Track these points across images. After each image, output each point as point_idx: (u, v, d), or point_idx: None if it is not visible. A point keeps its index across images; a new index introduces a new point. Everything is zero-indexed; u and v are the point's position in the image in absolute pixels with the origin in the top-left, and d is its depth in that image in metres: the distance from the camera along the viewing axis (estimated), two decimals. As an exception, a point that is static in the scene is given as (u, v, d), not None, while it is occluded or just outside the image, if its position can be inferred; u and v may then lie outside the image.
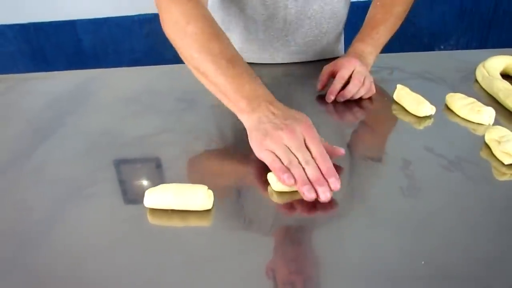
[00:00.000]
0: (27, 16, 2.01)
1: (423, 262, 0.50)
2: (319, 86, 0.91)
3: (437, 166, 0.68)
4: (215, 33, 0.72)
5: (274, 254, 0.54)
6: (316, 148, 0.61)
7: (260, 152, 0.64)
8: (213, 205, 0.61)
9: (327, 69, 0.91)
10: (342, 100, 0.86)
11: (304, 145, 0.62)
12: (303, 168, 0.60)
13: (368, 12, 1.00)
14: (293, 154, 0.61)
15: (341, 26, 1.09)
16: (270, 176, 0.64)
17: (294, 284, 0.49)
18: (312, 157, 0.61)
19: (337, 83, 0.86)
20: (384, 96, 0.90)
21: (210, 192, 0.61)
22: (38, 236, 0.58)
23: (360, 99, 0.88)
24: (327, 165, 0.60)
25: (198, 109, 0.89)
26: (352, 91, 0.85)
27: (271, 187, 0.63)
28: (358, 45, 0.93)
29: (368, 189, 0.64)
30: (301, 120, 0.64)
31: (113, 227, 0.59)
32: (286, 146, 0.61)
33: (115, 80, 1.07)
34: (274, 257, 0.53)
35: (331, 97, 0.86)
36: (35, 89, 1.03)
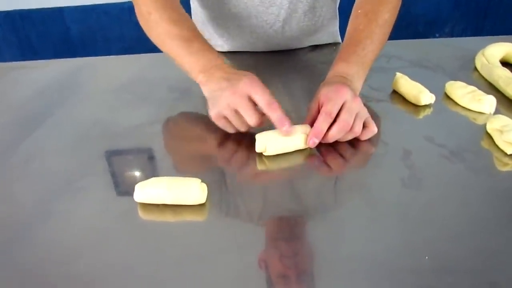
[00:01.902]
0: (12, 3, 1.95)
1: (426, 257, 0.49)
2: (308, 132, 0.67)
3: (438, 156, 0.66)
4: (174, 19, 0.77)
5: (268, 246, 0.52)
6: (261, 100, 0.63)
7: (216, 121, 0.69)
8: (206, 198, 0.58)
9: (312, 106, 0.69)
10: (317, 141, 0.66)
11: (247, 101, 0.64)
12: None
13: (349, 23, 0.82)
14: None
15: (334, 6, 1.06)
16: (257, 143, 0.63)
17: (288, 277, 0.48)
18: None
19: (323, 123, 0.64)
20: (382, 84, 0.88)
21: (204, 186, 0.59)
22: (25, 232, 0.55)
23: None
24: (276, 114, 0.63)
25: (191, 98, 0.86)
26: (336, 136, 0.65)
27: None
28: (341, 66, 0.74)
29: (368, 180, 0.63)
30: (243, 77, 0.65)
31: (103, 222, 0.57)
32: (234, 108, 0.65)
33: (105, 69, 1.04)
34: (268, 249, 0.52)
35: (314, 141, 0.65)
36: (22, 79, 1.00)
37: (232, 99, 0.64)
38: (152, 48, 1.16)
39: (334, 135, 0.65)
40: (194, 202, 0.58)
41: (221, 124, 0.69)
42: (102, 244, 0.53)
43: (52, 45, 2.06)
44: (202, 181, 0.59)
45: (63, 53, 1.99)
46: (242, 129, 0.67)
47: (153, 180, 0.59)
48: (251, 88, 0.64)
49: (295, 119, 0.68)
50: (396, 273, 0.48)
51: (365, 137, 0.68)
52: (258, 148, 0.66)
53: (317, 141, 0.65)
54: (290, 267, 0.49)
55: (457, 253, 0.50)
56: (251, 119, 0.64)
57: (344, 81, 0.70)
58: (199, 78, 0.71)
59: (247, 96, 0.64)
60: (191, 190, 0.57)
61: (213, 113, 0.69)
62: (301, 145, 0.66)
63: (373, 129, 0.68)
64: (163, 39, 0.78)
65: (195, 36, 0.76)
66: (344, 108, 0.65)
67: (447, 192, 0.59)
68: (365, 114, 0.68)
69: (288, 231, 0.55)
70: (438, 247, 0.50)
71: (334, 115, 0.65)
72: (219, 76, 0.68)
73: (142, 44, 2.04)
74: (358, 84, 0.74)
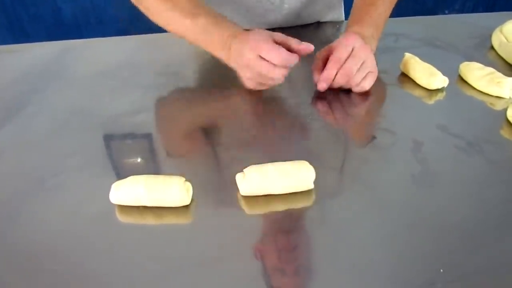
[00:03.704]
0: (1, -16, 1.88)
1: (441, 270, 0.42)
2: (315, 77, 0.73)
3: (453, 148, 0.60)
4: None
5: (265, 237, 0.48)
6: (268, 56, 0.66)
7: (245, 84, 0.72)
8: (192, 199, 0.52)
9: (321, 54, 0.73)
10: (326, 86, 0.70)
11: (256, 59, 0.66)
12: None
13: None
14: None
15: None
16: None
17: (284, 271, 0.45)
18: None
19: (331, 69, 0.68)
20: (389, 66, 0.81)
21: (188, 185, 0.52)
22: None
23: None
24: (280, 64, 0.66)
25: (178, 84, 0.79)
26: (339, 81, 0.69)
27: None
28: (355, 28, 0.74)
29: (375, 176, 0.57)
30: (250, 39, 0.67)
31: (76, 226, 0.52)
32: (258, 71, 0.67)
33: (92, 52, 0.97)
34: (265, 240, 0.48)
35: (323, 85, 0.70)
36: (4, 63, 0.94)
37: (249, 65, 0.67)
38: (148, 29, 1.09)
39: (338, 81, 0.69)
40: (177, 203, 0.51)
41: (259, 87, 0.72)
42: (75, 250, 0.48)
43: (44, 27, 1.99)
44: (186, 180, 0.52)
45: (55, 36, 1.91)
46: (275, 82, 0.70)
47: (131, 179, 0.52)
48: (256, 48, 0.66)
49: (294, 106, 0.61)
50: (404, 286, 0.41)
51: (355, 90, 0.71)
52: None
53: (325, 86, 0.70)
54: (288, 261, 0.46)
55: (476, 264, 0.44)
56: (274, 78, 0.68)
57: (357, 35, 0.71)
58: (219, 54, 0.73)
59: (258, 56, 0.66)
60: (173, 190, 0.51)
61: (244, 80, 0.71)
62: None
63: (363, 85, 0.70)
64: (165, 20, 0.77)
65: (196, 8, 0.74)
66: (351, 55, 0.68)
67: (464, 190, 0.54)
68: (370, 66, 0.69)
69: (287, 226, 0.50)
70: (454, 257, 0.45)
71: (342, 61, 0.68)
72: (237, 43, 0.69)
73: (137, 25, 1.97)
74: (374, 46, 0.74)
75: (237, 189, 0.53)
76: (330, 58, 0.68)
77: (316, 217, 0.51)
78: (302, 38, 0.81)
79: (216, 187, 0.56)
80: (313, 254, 0.47)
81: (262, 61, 0.66)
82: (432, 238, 0.47)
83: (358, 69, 0.68)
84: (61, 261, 0.47)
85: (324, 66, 0.70)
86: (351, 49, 0.68)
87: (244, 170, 0.53)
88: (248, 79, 0.70)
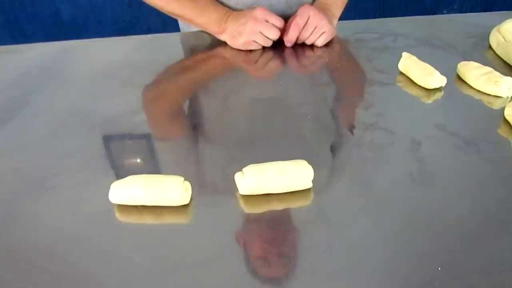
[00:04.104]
0: (-1, -15, 1.87)
1: (439, 268, 0.42)
2: (284, 36, 0.89)
3: (451, 147, 0.60)
4: None
5: (248, 225, 0.49)
6: (276, 22, 0.86)
7: (246, 46, 0.88)
8: (191, 199, 0.52)
9: (290, 19, 0.91)
10: (291, 45, 0.89)
11: (266, 23, 0.86)
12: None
13: None
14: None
15: None
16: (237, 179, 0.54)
17: (268, 260, 0.46)
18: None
19: (293, 32, 0.88)
20: (387, 66, 0.81)
21: (188, 184, 0.52)
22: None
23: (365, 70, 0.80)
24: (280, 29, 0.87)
25: (180, 83, 0.79)
26: (294, 36, 0.88)
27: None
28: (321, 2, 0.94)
29: (373, 175, 0.56)
30: (255, 9, 0.86)
31: (76, 226, 0.51)
32: (259, 31, 0.86)
33: (91, 53, 0.97)
34: (248, 228, 0.49)
35: (289, 44, 0.89)
36: (2, 64, 0.93)
37: (255, 26, 0.85)
38: (146, 29, 1.08)
39: (298, 41, 0.90)
40: (176, 203, 0.51)
41: (252, 46, 0.88)
42: (74, 250, 0.48)
43: (42, 27, 1.98)
44: (185, 179, 0.52)
45: (54, 37, 1.91)
46: (268, 44, 0.88)
47: (130, 178, 0.52)
48: (266, 15, 0.85)
49: (292, 105, 0.61)
50: (403, 286, 0.41)
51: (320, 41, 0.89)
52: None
53: (289, 45, 0.89)
54: (272, 252, 0.47)
55: (474, 262, 0.44)
56: (274, 35, 0.86)
57: (323, 7, 0.91)
58: (216, 30, 0.89)
59: (265, 20, 0.85)
60: (172, 189, 0.51)
61: (242, 41, 0.86)
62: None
63: (316, 42, 0.89)
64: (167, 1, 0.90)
65: None
66: (307, 22, 0.87)
67: (462, 189, 0.54)
68: (323, 28, 0.88)
69: (286, 225, 0.50)
70: (452, 256, 0.44)
71: (301, 27, 0.87)
72: (233, 20, 0.87)
73: (136, 26, 1.96)
74: (337, 12, 0.94)
75: (236, 189, 0.53)
76: (292, 24, 0.88)
77: (314, 216, 0.51)
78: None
79: (215, 187, 0.56)
80: (308, 251, 0.47)
81: (265, 23, 0.85)
82: (430, 237, 0.47)
83: (313, 32, 0.87)
84: (60, 261, 0.47)
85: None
86: (307, 17, 0.87)
87: (243, 169, 0.53)
88: (248, 37, 0.86)
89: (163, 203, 0.51)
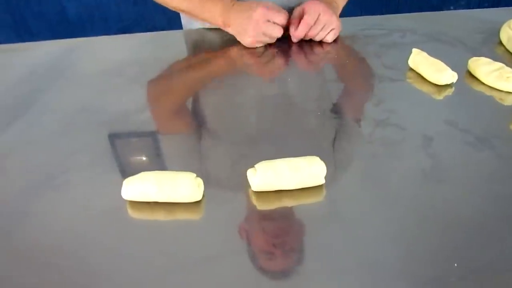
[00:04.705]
0: (5, -17, 1.87)
1: (455, 265, 0.42)
2: (292, 31, 0.88)
3: (463, 143, 0.59)
4: None
5: (252, 218, 0.49)
6: (279, 21, 0.85)
7: (253, 45, 0.88)
8: (203, 195, 0.52)
9: (296, 11, 0.90)
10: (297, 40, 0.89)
11: (269, 23, 0.84)
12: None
13: None
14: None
15: None
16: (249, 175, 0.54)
17: (273, 253, 0.46)
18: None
19: (303, 30, 0.87)
20: (397, 62, 0.80)
21: (200, 181, 0.52)
22: (2, 233, 0.50)
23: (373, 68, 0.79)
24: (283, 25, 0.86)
25: (186, 81, 0.79)
26: (303, 32, 0.87)
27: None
28: None
29: (386, 171, 0.56)
30: (251, 18, 0.83)
31: (87, 223, 0.51)
32: (263, 32, 0.85)
33: (98, 50, 0.96)
34: (251, 221, 0.49)
35: (295, 40, 0.89)
36: (9, 62, 0.93)
37: (257, 27, 0.84)
38: (151, 28, 1.08)
39: (307, 37, 0.89)
40: (189, 199, 0.51)
41: (258, 44, 0.88)
42: (85, 247, 0.48)
43: (48, 25, 1.98)
44: (197, 176, 0.52)
45: (60, 35, 1.91)
46: (273, 41, 0.88)
47: (142, 175, 0.52)
48: (267, 14, 0.83)
49: (302, 102, 0.60)
50: (418, 283, 0.41)
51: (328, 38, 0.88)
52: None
53: (296, 40, 0.89)
54: (276, 246, 0.47)
55: (489, 258, 0.43)
56: (277, 34, 0.86)
57: (329, 0, 0.90)
58: (220, 24, 0.88)
59: (266, 20, 0.83)
60: (184, 186, 0.51)
61: (248, 41, 0.86)
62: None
63: (326, 39, 0.88)
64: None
65: None
66: (317, 20, 0.86)
67: (474, 184, 0.53)
68: (332, 25, 0.87)
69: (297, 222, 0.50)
70: (467, 251, 0.44)
71: (311, 25, 0.86)
72: (238, 14, 0.85)
73: (141, 24, 1.96)
74: (341, 4, 0.94)
75: (248, 185, 0.53)
76: (302, 22, 0.86)
77: (326, 212, 0.51)
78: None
79: (227, 184, 0.56)
80: (320, 247, 0.46)
81: (267, 23, 0.84)
82: (443, 232, 0.46)
83: (322, 28, 0.87)
84: (71, 257, 0.47)
85: (299, 23, 0.88)
86: (317, 15, 0.86)
87: (255, 166, 0.53)
88: (254, 38, 0.85)
89: (176, 199, 0.51)
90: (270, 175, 0.52)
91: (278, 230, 0.49)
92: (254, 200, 0.52)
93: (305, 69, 0.86)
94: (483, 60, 0.73)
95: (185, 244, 0.48)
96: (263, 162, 0.53)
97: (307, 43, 0.89)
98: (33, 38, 1.06)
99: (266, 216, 0.51)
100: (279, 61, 0.86)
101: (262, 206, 0.52)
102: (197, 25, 0.97)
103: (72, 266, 0.46)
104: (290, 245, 0.47)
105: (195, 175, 0.52)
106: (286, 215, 0.51)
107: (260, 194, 0.53)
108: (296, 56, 0.87)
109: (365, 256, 0.45)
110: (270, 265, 0.46)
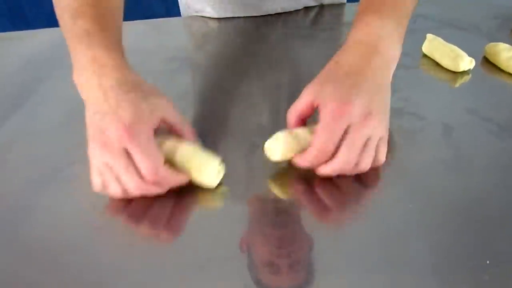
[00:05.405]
0: (-1, -30, 1.83)
1: (487, 262, 0.40)
2: (295, 157, 0.49)
3: (485, 132, 0.57)
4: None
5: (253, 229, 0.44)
6: (136, 155, 0.44)
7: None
8: (220, 181, 0.50)
9: (298, 111, 0.50)
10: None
11: (119, 152, 0.44)
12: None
13: None
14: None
15: None
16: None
17: (277, 265, 0.41)
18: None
19: (314, 160, 0.47)
20: (409, 48, 0.77)
21: (222, 167, 0.50)
22: (3, 230, 0.47)
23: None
24: (149, 178, 0.45)
25: (189, 70, 0.76)
26: (330, 174, 0.48)
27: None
28: (371, 21, 0.50)
29: (406, 162, 0.53)
30: (121, 117, 0.45)
31: (94, 218, 0.49)
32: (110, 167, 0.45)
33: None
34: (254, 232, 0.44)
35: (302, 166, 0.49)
36: (7, 51, 0.90)
37: (100, 155, 0.45)
38: (149, 15, 1.05)
39: (328, 173, 0.47)
40: (206, 185, 0.49)
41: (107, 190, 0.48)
42: (94, 243, 0.46)
43: (45, 15, 1.94)
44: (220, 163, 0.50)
45: (56, 22, 1.87)
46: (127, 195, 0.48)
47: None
48: (124, 137, 0.43)
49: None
50: (449, 280, 0.39)
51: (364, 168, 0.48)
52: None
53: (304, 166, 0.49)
54: (281, 256, 0.42)
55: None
56: (134, 188, 0.46)
57: (369, 56, 0.48)
58: (81, 71, 0.51)
59: (124, 151, 0.44)
60: (206, 170, 0.48)
61: (92, 176, 0.47)
62: None
63: (379, 158, 0.48)
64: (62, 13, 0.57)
65: (106, 29, 0.55)
66: (347, 137, 0.45)
67: (500, 174, 0.51)
68: (378, 136, 0.47)
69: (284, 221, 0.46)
70: (498, 247, 0.42)
71: (330, 153, 0.45)
72: (102, 92, 0.47)
73: (139, 12, 1.92)
74: (398, 51, 0.50)
75: (263, 175, 0.51)
76: (313, 145, 0.46)
77: (341, 211, 0.48)
78: (298, 25, 0.77)
79: (241, 173, 0.53)
80: (345, 243, 0.44)
81: (128, 160, 0.44)
82: (471, 227, 0.44)
83: (362, 152, 0.46)
84: (78, 253, 0.44)
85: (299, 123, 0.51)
86: (344, 127, 0.45)
87: (273, 135, 0.50)
88: (96, 171, 0.46)
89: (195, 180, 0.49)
90: (291, 141, 0.48)
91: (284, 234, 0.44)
92: (272, 188, 0.50)
93: (315, 55, 0.83)
94: (501, 45, 0.71)
95: (201, 235, 0.45)
96: (279, 132, 0.50)
97: (315, 30, 0.86)
98: (29, 27, 1.02)
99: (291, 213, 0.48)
100: (287, 47, 0.82)
101: (280, 195, 0.49)
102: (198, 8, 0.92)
103: (81, 262, 0.43)
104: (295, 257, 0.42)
105: (219, 160, 0.49)
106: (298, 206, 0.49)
107: (278, 184, 0.51)
108: (306, 43, 0.84)
109: (392, 251, 0.42)
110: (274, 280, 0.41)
